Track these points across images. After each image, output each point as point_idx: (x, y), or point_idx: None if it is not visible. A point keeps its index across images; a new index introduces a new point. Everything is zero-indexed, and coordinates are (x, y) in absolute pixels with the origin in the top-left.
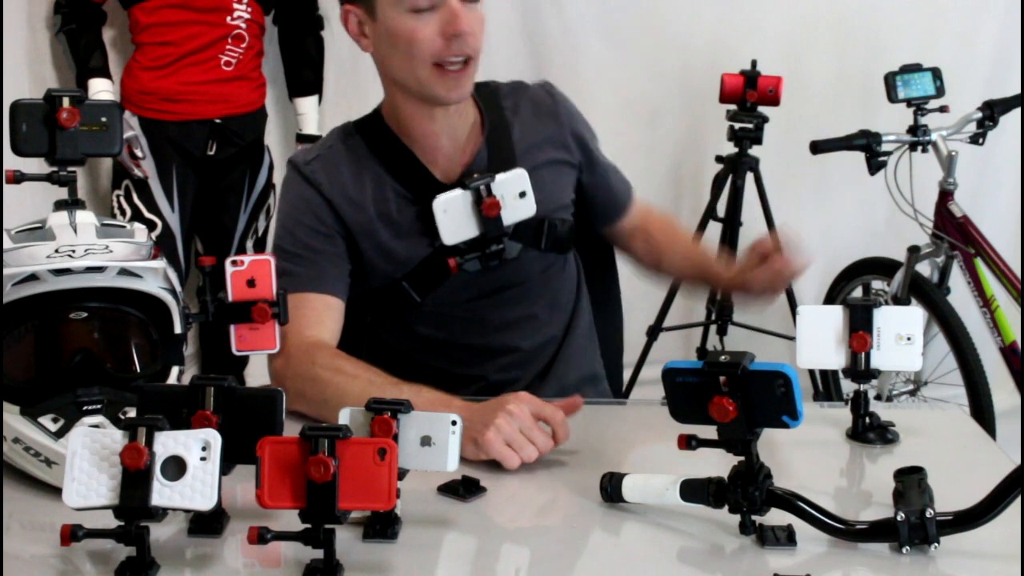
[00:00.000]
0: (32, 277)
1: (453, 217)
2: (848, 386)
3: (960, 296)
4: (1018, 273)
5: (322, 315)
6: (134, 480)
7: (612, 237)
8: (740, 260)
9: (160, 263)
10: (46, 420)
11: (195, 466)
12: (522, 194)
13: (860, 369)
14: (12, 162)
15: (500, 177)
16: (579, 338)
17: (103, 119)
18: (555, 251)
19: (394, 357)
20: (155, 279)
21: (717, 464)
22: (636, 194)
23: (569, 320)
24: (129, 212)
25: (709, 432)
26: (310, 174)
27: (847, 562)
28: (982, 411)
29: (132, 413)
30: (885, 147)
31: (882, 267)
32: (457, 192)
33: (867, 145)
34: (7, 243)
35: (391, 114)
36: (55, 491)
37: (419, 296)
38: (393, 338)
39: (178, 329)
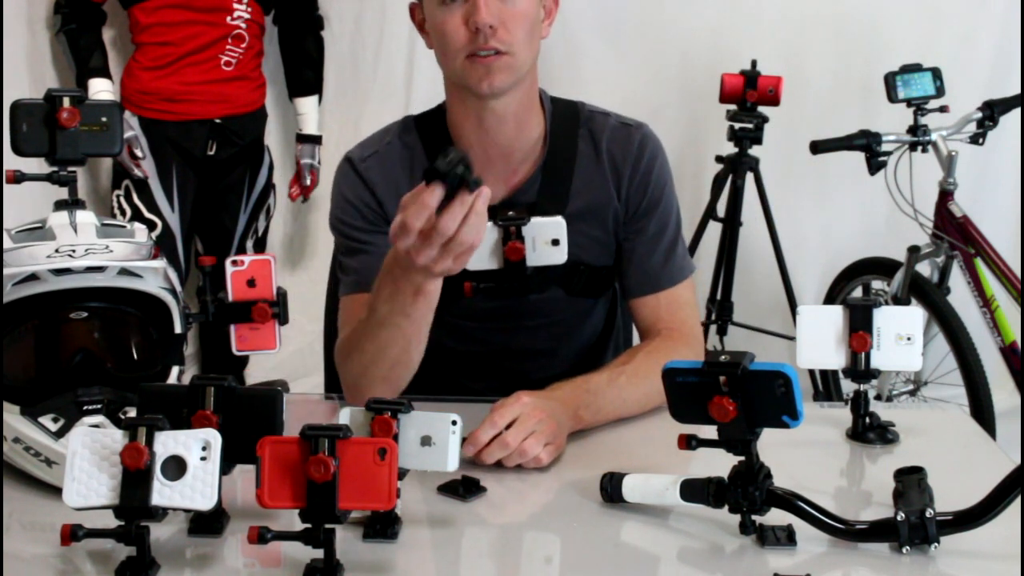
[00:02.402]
0: (32, 277)
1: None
2: (848, 386)
3: (960, 296)
4: (1018, 273)
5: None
6: (134, 480)
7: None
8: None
9: (160, 263)
10: (46, 420)
11: (195, 466)
12: (555, 242)
13: (860, 369)
14: (12, 162)
15: (535, 220)
16: None
17: (103, 119)
18: (585, 296)
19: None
20: (155, 279)
21: (717, 464)
22: (673, 300)
23: (585, 360)
24: (129, 212)
25: (709, 432)
26: (364, 172)
27: (847, 562)
28: (982, 411)
29: (132, 413)
30: (885, 147)
31: (882, 267)
32: (487, 224)
33: (867, 145)
34: (7, 243)
35: (450, 116)
36: (55, 491)
37: (440, 301)
38: None
39: (178, 329)
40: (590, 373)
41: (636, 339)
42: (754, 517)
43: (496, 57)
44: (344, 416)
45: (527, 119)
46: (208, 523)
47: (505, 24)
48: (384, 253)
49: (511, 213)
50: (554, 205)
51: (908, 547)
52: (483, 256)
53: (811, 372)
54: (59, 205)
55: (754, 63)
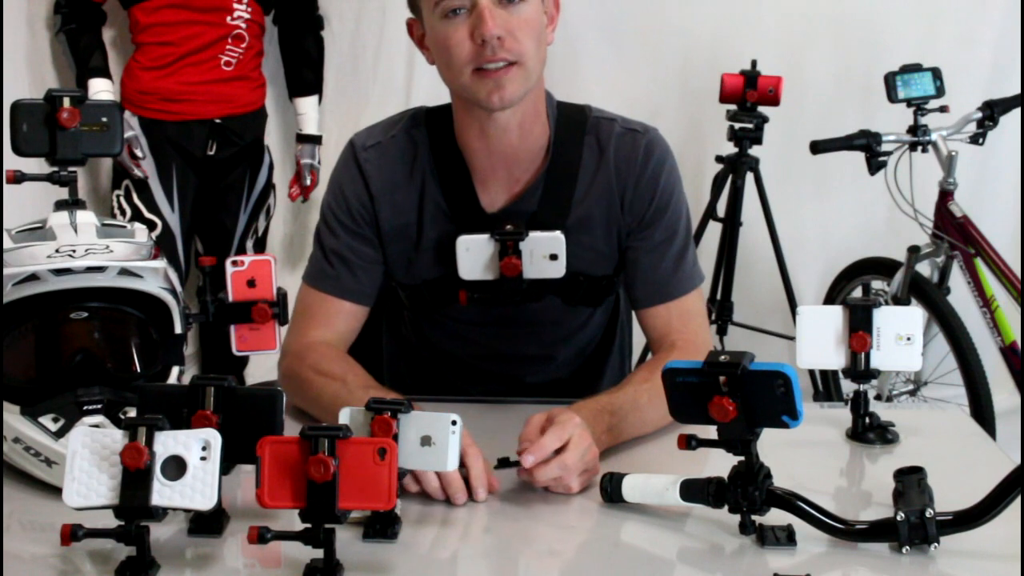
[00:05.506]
0: (32, 277)
1: (474, 257)
2: (848, 386)
3: (960, 296)
4: (1018, 273)
5: (333, 319)
6: (134, 480)
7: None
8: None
9: (160, 263)
10: (46, 420)
11: (195, 466)
12: (553, 256)
13: (860, 369)
14: (12, 162)
15: (533, 235)
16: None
17: (103, 119)
18: (584, 304)
19: (409, 354)
20: (155, 279)
21: (717, 464)
22: (684, 310)
23: (585, 366)
24: (129, 212)
25: (709, 432)
26: (363, 163)
27: (847, 562)
28: (982, 411)
29: (132, 413)
30: (885, 147)
31: (882, 267)
32: (483, 237)
33: (867, 145)
34: (7, 243)
35: (456, 122)
36: (55, 491)
37: (434, 304)
38: (411, 336)
39: (178, 329)
40: (612, 392)
41: (636, 339)
42: (754, 517)
43: (506, 69)
44: (344, 416)
45: (531, 128)
46: (208, 523)
47: (513, 33)
48: (364, 261)
49: (508, 227)
50: (555, 215)
51: (908, 547)
52: (478, 267)
53: (811, 372)
54: (59, 205)
55: (754, 63)
